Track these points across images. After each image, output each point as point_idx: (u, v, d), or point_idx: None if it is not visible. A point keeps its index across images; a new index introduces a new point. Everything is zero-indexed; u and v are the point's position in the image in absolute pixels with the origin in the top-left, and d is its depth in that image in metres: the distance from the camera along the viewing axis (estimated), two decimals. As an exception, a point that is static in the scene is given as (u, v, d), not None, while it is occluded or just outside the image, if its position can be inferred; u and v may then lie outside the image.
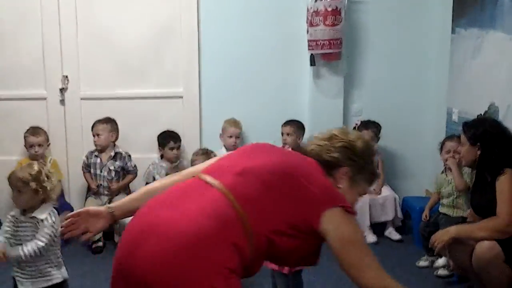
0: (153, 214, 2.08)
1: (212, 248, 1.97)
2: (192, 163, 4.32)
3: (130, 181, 5.29)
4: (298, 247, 2.17)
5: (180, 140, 5.33)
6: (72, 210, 5.12)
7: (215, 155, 4.34)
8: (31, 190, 3.17)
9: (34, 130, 5.27)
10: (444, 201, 4.54)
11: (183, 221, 2.00)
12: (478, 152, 3.61)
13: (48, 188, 3.22)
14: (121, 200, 2.41)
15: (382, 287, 2.09)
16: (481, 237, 3.44)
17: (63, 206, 5.03)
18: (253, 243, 2.05)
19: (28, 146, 5.23)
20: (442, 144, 4.66)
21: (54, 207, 3.35)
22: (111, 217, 2.34)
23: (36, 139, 5.21)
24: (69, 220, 2.33)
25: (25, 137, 5.23)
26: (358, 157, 2.32)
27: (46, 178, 3.23)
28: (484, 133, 3.61)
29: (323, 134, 2.41)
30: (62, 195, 5.27)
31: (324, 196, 2.13)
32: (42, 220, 3.19)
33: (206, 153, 4.30)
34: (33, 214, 3.21)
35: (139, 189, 2.44)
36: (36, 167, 3.26)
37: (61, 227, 2.37)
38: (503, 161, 3.52)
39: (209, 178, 2.14)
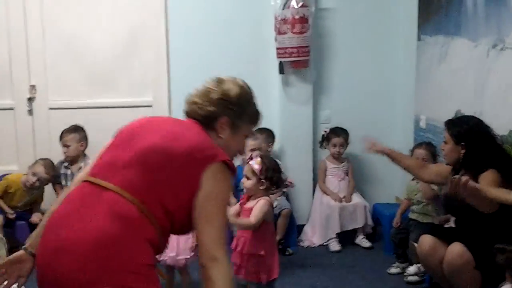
0: (53, 238, 2.06)
1: (125, 250, 2.01)
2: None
3: None
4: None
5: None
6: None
7: None
8: None
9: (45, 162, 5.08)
10: (414, 207, 4.57)
11: (87, 233, 2.01)
12: (462, 151, 3.58)
13: None
14: (32, 235, 2.32)
15: (214, 251, 2.08)
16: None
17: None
18: (159, 229, 2.10)
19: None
20: (412, 151, 4.69)
21: None
22: (32, 256, 2.25)
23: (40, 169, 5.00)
24: None
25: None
26: (234, 105, 2.35)
27: None
28: (469, 131, 3.58)
29: (199, 90, 2.41)
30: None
31: (202, 157, 2.14)
32: None
33: None
34: None
35: (44, 216, 2.34)
36: None
37: None
38: (487, 161, 3.49)
39: (99, 181, 2.13)
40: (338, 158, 5.42)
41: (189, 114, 2.38)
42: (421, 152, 4.56)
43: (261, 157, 3.54)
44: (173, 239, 3.89)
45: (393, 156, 4.16)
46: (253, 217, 3.41)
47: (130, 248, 2.02)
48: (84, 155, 5.18)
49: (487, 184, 3.36)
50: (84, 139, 5.17)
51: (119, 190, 2.08)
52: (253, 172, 3.46)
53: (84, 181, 2.19)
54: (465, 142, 3.57)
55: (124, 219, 2.03)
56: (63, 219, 2.09)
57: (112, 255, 1.98)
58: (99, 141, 5.19)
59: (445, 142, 3.70)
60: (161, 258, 3.90)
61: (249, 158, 3.59)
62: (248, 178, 3.50)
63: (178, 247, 3.88)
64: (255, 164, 3.45)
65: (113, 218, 2.03)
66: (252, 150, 4.63)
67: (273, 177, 3.47)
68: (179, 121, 2.36)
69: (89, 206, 2.08)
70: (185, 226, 2.19)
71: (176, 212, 2.13)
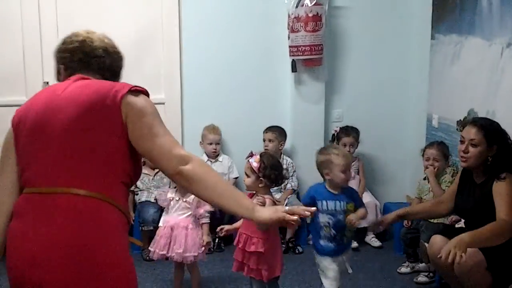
0: (22, 253, 2.00)
1: (99, 247, 1.98)
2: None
3: None
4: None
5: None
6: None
7: None
8: None
9: None
10: (425, 207, 4.53)
11: (56, 243, 1.95)
12: (491, 154, 3.47)
13: None
14: None
15: (178, 153, 2.04)
16: (497, 243, 3.28)
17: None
18: (121, 206, 2.08)
19: None
20: (423, 151, 4.65)
21: None
22: None
23: None
24: None
25: None
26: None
27: None
28: (500, 133, 3.50)
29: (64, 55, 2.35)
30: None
31: (110, 100, 2.05)
32: None
33: None
34: None
35: None
36: None
37: None
38: (504, 164, 3.44)
39: (46, 189, 2.02)
40: (349, 157, 5.40)
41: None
42: (432, 152, 4.53)
43: (260, 155, 3.55)
44: (182, 235, 3.91)
45: (407, 215, 3.98)
46: None
47: (104, 243, 1.99)
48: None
49: (507, 195, 3.36)
50: None
51: (69, 190, 1.99)
52: (252, 169, 3.47)
53: (28, 193, 2.06)
54: (497, 144, 3.48)
55: (87, 216, 1.98)
56: (24, 234, 2.01)
57: (87, 257, 1.95)
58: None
59: (474, 145, 3.50)
60: (169, 254, 3.92)
61: (249, 156, 3.58)
62: (247, 176, 3.51)
63: (186, 244, 3.89)
64: (254, 162, 3.47)
65: (76, 220, 1.97)
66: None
67: (271, 174, 3.46)
68: (66, 85, 2.18)
69: (46, 216, 1.99)
70: (138, 168, 2.18)
71: (132, 166, 2.10)
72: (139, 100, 2.09)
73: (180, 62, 5.45)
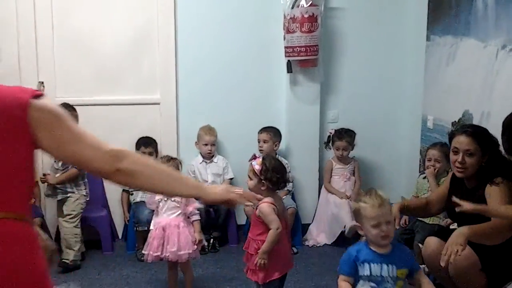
0: None
1: (37, 268, 1.84)
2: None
3: None
4: None
5: (152, 145, 5.28)
6: (42, 216, 5.05)
7: (180, 162, 4.26)
8: None
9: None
10: (421, 208, 4.53)
11: None
12: (483, 161, 3.46)
13: None
14: None
15: (109, 150, 1.87)
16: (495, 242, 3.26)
17: (34, 212, 4.92)
18: (31, 221, 1.90)
19: None
20: (426, 152, 4.65)
21: None
22: None
23: None
24: None
25: None
26: None
27: None
28: (492, 140, 3.48)
29: None
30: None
31: (17, 111, 1.78)
32: None
33: (170, 160, 4.22)
34: None
35: None
36: None
37: None
38: (496, 169, 3.43)
39: None
40: (343, 160, 5.40)
41: None
42: (434, 153, 4.53)
43: (262, 157, 3.54)
44: (174, 234, 3.91)
45: (405, 210, 3.79)
46: (271, 224, 3.41)
47: (34, 265, 1.82)
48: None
49: (500, 196, 3.35)
50: None
51: None
52: (254, 172, 3.46)
53: None
54: (489, 151, 3.47)
55: (10, 241, 1.77)
56: None
57: (23, 281, 1.77)
58: (106, 138, 5.24)
59: (470, 155, 3.47)
60: (163, 255, 3.91)
61: (251, 158, 3.58)
62: (250, 179, 3.51)
63: (179, 242, 3.89)
64: (256, 164, 3.46)
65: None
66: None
67: (272, 177, 3.45)
68: None
69: None
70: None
71: (33, 178, 1.91)
72: (48, 103, 1.85)
73: (175, 63, 5.43)
